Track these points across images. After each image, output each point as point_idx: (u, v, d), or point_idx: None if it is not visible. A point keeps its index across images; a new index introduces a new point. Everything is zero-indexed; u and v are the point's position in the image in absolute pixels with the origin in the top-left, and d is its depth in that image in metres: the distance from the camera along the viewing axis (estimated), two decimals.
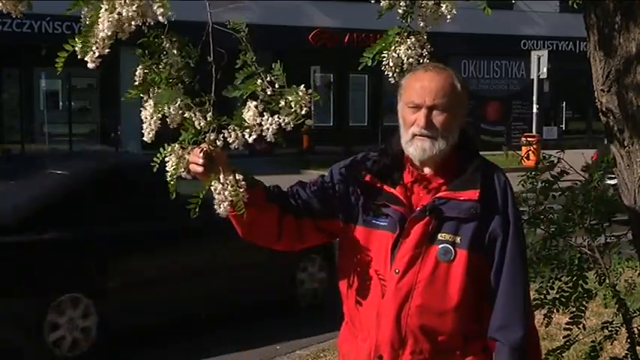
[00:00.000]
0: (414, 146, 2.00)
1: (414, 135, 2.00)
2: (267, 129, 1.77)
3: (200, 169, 1.83)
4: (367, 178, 2.07)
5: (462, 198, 2.01)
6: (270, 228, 2.06)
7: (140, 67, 1.85)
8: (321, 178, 2.14)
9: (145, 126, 1.82)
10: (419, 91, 1.99)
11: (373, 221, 2.05)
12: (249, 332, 5.97)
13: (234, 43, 1.82)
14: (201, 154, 1.82)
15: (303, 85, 1.77)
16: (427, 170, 2.06)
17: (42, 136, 19.64)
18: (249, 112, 1.77)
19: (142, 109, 1.84)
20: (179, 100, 1.78)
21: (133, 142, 19.18)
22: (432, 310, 2.01)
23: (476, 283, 2.02)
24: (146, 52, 1.85)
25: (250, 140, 1.79)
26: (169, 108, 1.78)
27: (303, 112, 1.75)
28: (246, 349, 5.64)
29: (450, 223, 2.01)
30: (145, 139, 1.84)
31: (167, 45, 1.84)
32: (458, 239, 2.00)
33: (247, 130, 1.78)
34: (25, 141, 19.28)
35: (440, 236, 2.00)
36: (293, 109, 1.75)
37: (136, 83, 1.86)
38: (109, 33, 1.65)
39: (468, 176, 2.04)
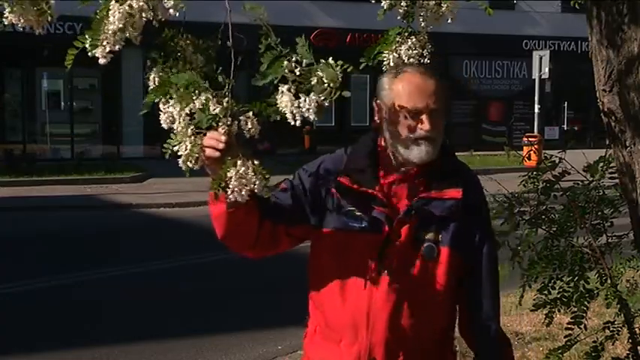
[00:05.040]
0: (418, 150, 2.00)
1: (417, 139, 2.00)
2: (308, 109, 1.70)
3: (217, 154, 1.75)
4: (343, 180, 2.05)
5: (446, 197, 2.04)
6: (251, 231, 2.01)
7: (155, 69, 1.80)
8: (290, 183, 2.09)
9: (175, 125, 1.75)
10: (417, 94, 1.99)
11: (351, 224, 2.04)
12: (251, 332, 5.98)
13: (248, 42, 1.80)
14: (224, 137, 1.74)
15: (331, 58, 1.71)
16: (406, 171, 2.06)
17: (44, 137, 19.65)
18: (284, 98, 1.70)
19: (160, 112, 1.77)
20: (205, 92, 1.71)
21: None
22: (422, 309, 2.06)
23: (455, 280, 2.08)
24: (161, 54, 1.79)
25: (298, 124, 1.72)
26: (194, 103, 1.71)
27: (337, 85, 1.69)
28: (248, 349, 5.65)
29: (433, 222, 2.04)
30: (178, 138, 1.75)
31: (183, 44, 1.79)
32: (440, 237, 2.04)
33: (290, 115, 1.70)
34: (26, 141, 19.29)
35: (424, 235, 2.03)
36: (326, 84, 1.69)
37: (152, 87, 1.79)
38: (120, 25, 1.63)
39: (449, 176, 2.07)
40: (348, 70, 1.72)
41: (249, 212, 1.95)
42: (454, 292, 2.09)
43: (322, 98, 1.69)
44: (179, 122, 1.74)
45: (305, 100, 1.70)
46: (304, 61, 1.72)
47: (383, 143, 2.09)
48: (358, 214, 2.03)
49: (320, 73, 1.69)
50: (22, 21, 1.71)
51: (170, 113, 1.76)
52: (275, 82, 1.74)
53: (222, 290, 7.15)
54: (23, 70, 19.45)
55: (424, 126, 1.98)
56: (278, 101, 1.71)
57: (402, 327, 2.03)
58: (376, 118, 2.09)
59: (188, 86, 1.73)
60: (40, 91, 19.87)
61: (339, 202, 2.05)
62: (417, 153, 2.00)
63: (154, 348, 5.69)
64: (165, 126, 1.77)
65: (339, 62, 1.70)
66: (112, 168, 16.78)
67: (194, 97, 1.72)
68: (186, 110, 1.74)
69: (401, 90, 2.00)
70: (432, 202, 2.03)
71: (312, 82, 1.69)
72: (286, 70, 1.71)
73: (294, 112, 1.70)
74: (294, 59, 1.72)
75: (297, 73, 1.71)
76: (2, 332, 6.04)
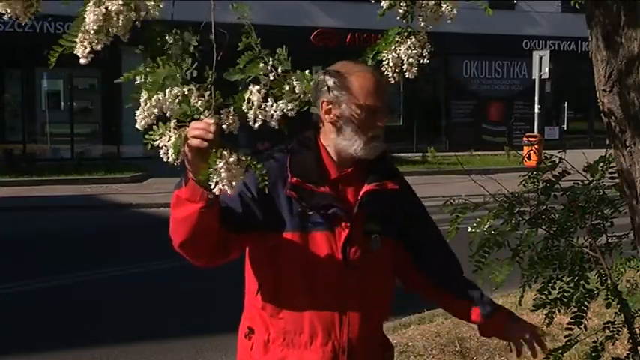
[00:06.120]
0: (373, 146, 2.06)
1: (373, 136, 2.06)
2: (272, 115, 1.65)
3: (205, 144, 1.66)
4: (296, 181, 2.04)
5: (389, 187, 2.13)
6: (213, 236, 1.96)
7: (142, 66, 1.72)
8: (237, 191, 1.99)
9: (138, 112, 1.68)
10: (375, 93, 2.05)
11: (310, 224, 2.05)
12: None
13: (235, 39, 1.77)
14: (213, 127, 1.65)
15: (307, 70, 1.69)
16: (350, 167, 2.11)
17: (44, 137, 19.65)
18: (252, 97, 1.66)
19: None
20: (177, 86, 1.65)
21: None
22: (380, 299, 2.17)
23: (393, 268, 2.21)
24: (147, 49, 1.73)
25: (256, 127, 1.67)
26: (164, 94, 1.65)
27: (307, 97, 1.66)
28: None
29: (378, 214, 2.11)
30: (137, 126, 1.68)
31: (171, 41, 1.72)
32: (383, 227, 2.12)
33: (251, 116, 1.65)
34: (26, 141, 19.29)
35: (372, 227, 2.10)
36: (297, 94, 1.66)
37: (137, 82, 1.72)
38: (95, 27, 1.61)
39: (387, 168, 2.17)
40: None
41: (216, 214, 1.92)
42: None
43: (289, 107, 1.66)
44: (142, 109, 1.67)
45: (272, 105, 1.65)
46: (280, 67, 1.68)
47: (325, 141, 2.11)
48: (313, 213, 2.04)
49: (294, 82, 1.66)
50: (8, 11, 1.69)
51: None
52: (247, 80, 1.70)
53: (222, 290, 7.10)
54: (23, 70, 19.45)
55: (381, 123, 2.06)
56: (245, 99, 1.68)
57: (371, 318, 2.11)
58: (326, 117, 2.08)
59: (165, 79, 1.67)
60: (40, 91, 19.87)
61: (295, 204, 2.04)
62: (373, 150, 2.07)
63: (154, 348, 5.70)
64: (143, 124, 1.68)
65: (314, 75, 1.70)
66: (112, 168, 16.78)
67: (166, 89, 1.67)
68: (152, 101, 1.67)
69: (358, 89, 2.04)
70: (375, 195, 2.10)
71: (284, 90, 1.66)
72: (261, 72, 1.68)
73: (257, 113, 1.66)
74: (270, 63, 1.69)
75: (271, 78, 1.68)
76: (2, 332, 6.05)
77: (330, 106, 2.06)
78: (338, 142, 2.08)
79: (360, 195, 2.09)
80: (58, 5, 1.76)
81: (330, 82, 2.04)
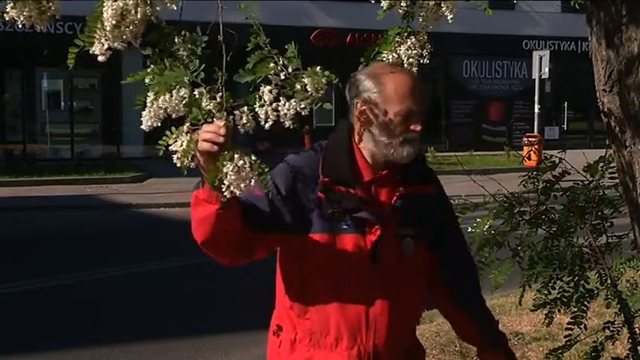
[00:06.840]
0: (407, 150, 2.03)
1: (407, 140, 2.02)
2: (285, 114, 1.63)
3: (216, 148, 1.65)
4: (327, 182, 2.01)
5: (421, 193, 2.11)
6: (235, 236, 1.94)
7: (150, 67, 1.69)
8: (266, 190, 1.97)
9: (144, 113, 1.64)
10: (410, 96, 2.00)
11: (340, 226, 2.02)
12: (251, 332, 5.97)
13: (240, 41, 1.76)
14: (223, 130, 1.64)
15: (319, 67, 1.66)
16: (384, 169, 2.08)
17: (44, 137, 19.65)
18: (264, 98, 1.64)
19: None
20: (185, 87, 1.62)
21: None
22: (410, 303, 2.14)
23: (426, 272, 2.19)
24: (155, 50, 1.70)
25: (267, 127, 1.65)
26: (171, 95, 1.62)
27: (320, 94, 1.63)
28: (248, 349, 5.65)
29: (411, 217, 2.08)
30: (142, 127, 1.65)
31: (179, 42, 1.69)
32: (417, 231, 2.10)
33: (263, 116, 1.63)
34: (26, 141, 19.30)
35: (404, 230, 2.08)
36: (309, 92, 1.63)
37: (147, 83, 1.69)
38: (114, 22, 1.58)
39: (422, 172, 2.16)
40: (333, 81, 1.67)
41: (236, 215, 1.90)
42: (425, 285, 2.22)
43: (302, 106, 1.64)
44: (149, 110, 1.64)
45: (284, 104, 1.64)
46: (290, 66, 1.66)
47: (360, 143, 2.08)
48: (345, 215, 2.01)
49: (305, 80, 1.64)
50: (21, 18, 1.68)
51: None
52: (257, 81, 1.68)
53: (222, 290, 7.14)
54: (23, 70, 19.46)
55: (416, 127, 2.01)
56: (257, 100, 1.66)
57: (399, 323, 2.08)
58: (360, 117, 2.06)
59: (172, 81, 1.65)
60: (40, 91, 19.88)
61: (325, 206, 2.01)
62: (406, 154, 2.03)
63: (154, 348, 5.69)
64: (149, 124, 1.65)
65: (325, 72, 1.65)
66: (112, 168, 16.79)
67: (173, 91, 1.64)
68: (159, 102, 1.64)
69: (393, 92, 2.00)
70: (409, 198, 2.07)
71: (296, 88, 1.64)
72: (272, 72, 1.66)
73: (269, 113, 1.64)
74: (281, 62, 1.67)
75: (282, 77, 1.65)
76: (2, 332, 6.05)
77: (364, 107, 2.03)
78: (371, 144, 2.05)
79: (394, 198, 2.06)
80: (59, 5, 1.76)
81: (365, 83, 2.02)
